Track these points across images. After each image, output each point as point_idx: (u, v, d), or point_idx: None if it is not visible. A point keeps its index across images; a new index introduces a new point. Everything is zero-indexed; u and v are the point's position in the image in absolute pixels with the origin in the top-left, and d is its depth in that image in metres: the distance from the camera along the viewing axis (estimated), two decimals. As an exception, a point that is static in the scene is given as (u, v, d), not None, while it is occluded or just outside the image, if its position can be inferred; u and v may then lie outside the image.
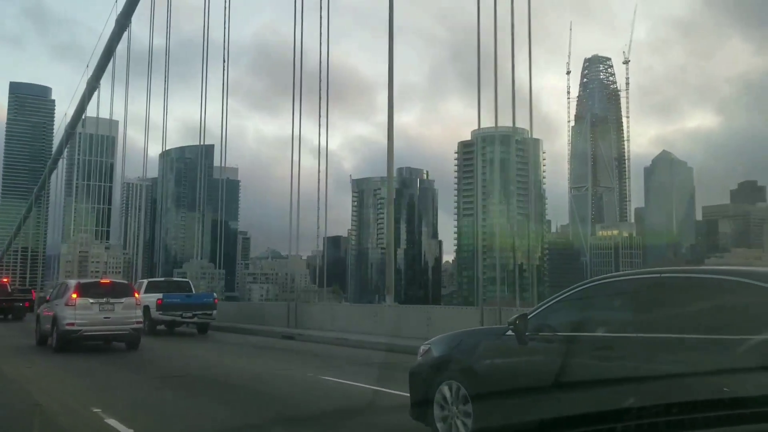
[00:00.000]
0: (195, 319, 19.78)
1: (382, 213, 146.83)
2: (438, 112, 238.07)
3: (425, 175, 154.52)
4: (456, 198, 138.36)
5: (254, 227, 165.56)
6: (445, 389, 5.32)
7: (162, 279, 25.28)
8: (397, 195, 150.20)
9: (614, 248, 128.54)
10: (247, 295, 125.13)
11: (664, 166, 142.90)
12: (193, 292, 21.66)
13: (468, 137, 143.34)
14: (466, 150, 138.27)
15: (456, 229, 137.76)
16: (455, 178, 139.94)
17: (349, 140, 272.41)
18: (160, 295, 19.39)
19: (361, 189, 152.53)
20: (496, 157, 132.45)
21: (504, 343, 5.06)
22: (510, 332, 4.97)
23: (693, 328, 4.02)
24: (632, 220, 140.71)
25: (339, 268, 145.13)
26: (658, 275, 4.60)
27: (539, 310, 5.05)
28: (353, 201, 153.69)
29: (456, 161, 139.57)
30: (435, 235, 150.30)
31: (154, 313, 18.95)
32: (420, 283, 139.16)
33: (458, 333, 5.91)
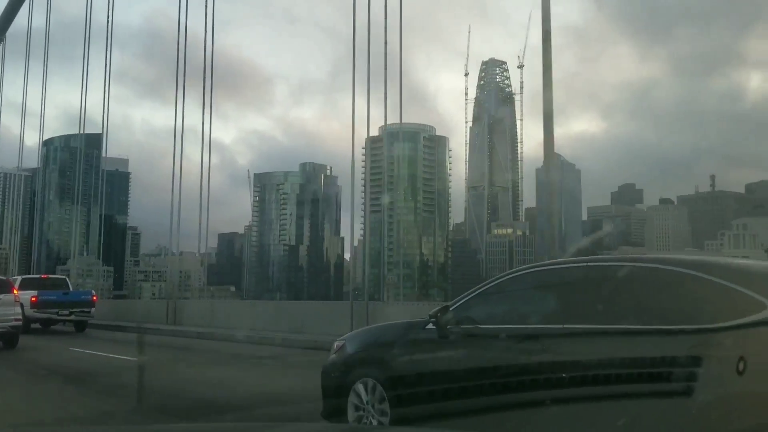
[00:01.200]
0: (72, 317, 19.36)
1: (286, 209, 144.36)
2: (338, 107, 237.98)
3: (329, 171, 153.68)
4: (363, 194, 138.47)
5: (145, 222, 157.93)
6: (360, 387, 5.04)
7: (37, 276, 24.64)
8: (301, 191, 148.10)
9: (508, 246, 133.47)
10: (137, 293, 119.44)
11: (554, 167, 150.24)
12: (71, 289, 21.37)
13: (371, 133, 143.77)
14: (374, 146, 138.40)
15: (363, 226, 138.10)
16: (362, 173, 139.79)
17: (245, 135, 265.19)
18: (35, 293, 18.76)
19: (263, 184, 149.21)
20: (404, 154, 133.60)
21: (424, 337, 4.83)
22: (430, 325, 4.75)
23: (619, 318, 3.95)
24: (524, 220, 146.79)
25: (234, 266, 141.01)
26: (583, 264, 4.53)
27: (461, 301, 4.86)
28: (255, 196, 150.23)
29: (363, 156, 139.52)
30: (338, 232, 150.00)
31: (29, 311, 18.21)
32: (322, 280, 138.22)
33: (375, 327, 5.65)
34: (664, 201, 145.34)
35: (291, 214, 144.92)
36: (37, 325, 19.12)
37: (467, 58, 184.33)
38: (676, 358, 3.54)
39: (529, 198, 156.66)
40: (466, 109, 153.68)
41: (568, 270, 4.58)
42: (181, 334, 18.83)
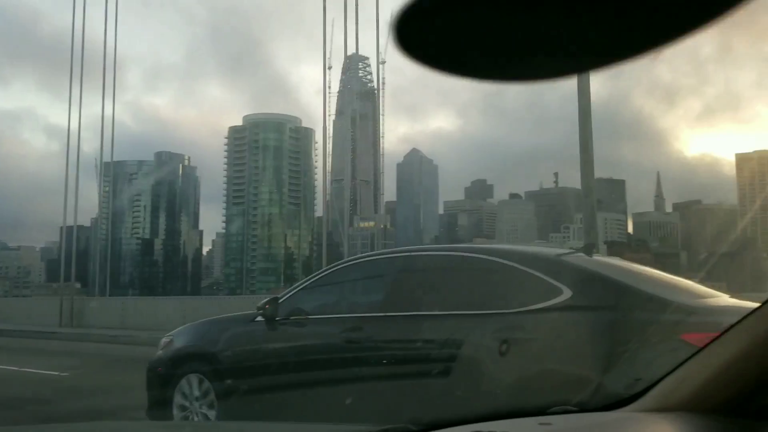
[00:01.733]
0: None
1: (139, 200, 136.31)
2: (195, 95, 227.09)
3: (187, 161, 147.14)
4: (225, 185, 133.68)
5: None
6: (186, 383, 4.88)
7: None
8: (155, 182, 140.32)
9: (370, 239, 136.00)
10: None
11: (414, 162, 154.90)
12: None
13: (233, 123, 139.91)
14: (237, 136, 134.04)
15: (224, 218, 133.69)
16: (225, 164, 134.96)
17: (91, 120, 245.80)
18: None
19: (114, 173, 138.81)
20: (270, 144, 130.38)
21: (253, 329, 4.79)
22: (260, 318, 4.71)
23: (436, 305, 4.13)
24: (383, 213, 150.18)
25: (78, 261, 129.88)
26: (402, 254, 4.73)
27: (291, 293, 4.88)
28: (104, 187, 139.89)
29: (226, 146, 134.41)
30: (196, 224, 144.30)
31: None
32: (179, 275, 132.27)
33: (204, 321, 5.50)
34: (513, 196, 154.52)
35: (145, 206, 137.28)
36: None
37: (330, 52, 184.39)
38: (463, 340, 3.79)
39: (389, 192, 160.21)
40: (326, 102, 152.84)
41: (388, 260, 4.77)
42: (94, 339, 16.17)
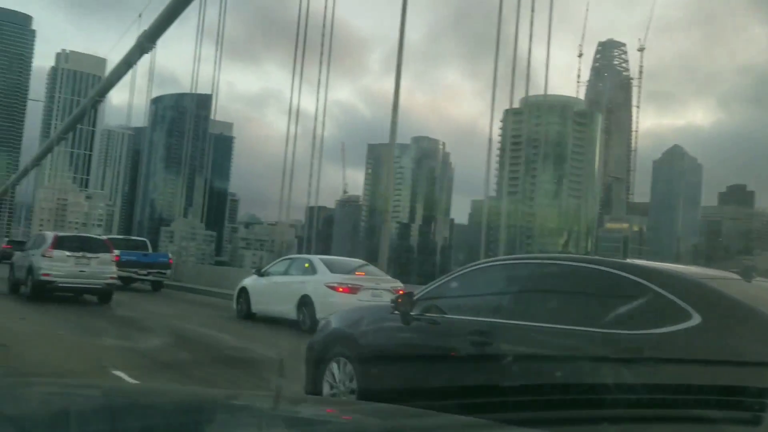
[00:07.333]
0: (150, 277, 20.73)
1: (401, 183, 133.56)
2: (433, 77, 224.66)
3: (442, 147, 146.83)
4: (498, 172, 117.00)
5: (241, 189, 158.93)
6: (334, 366, 5.24)
7: (121, 237, 28.67)
8: (416, 165, 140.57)
9: (623, 241, 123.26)
10: (239, 261, 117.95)
11: (674, 160, 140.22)
12: (150, 251, 23.03)
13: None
14: (514, 120, 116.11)
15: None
16: (498, 150, 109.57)
17: (330, 103, 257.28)
18: (117, 252, 19.56)
19: (376, 157, 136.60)
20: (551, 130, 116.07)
21: (390, 322, 4.96)
22: (396, 312, 4.88)
23: (570, 319, 3.92)
24: (638, 213, 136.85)
25: (326, 241, 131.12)
26: (543, 261, 4.52)
27: (427, 290, 4.96)
28: (367, 169, 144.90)
29: (501, 131, 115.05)
30: (448, 212, 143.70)
31: None
32: (431, 262, 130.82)
33: (356, 308, 5.81)
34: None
35: (404, 190, 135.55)
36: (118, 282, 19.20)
37: (582, 38, 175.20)
38: (596, 363, 3.43)
39: (639, 192, 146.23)
40: (577, 92, 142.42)
41: (518, 266, 4.60)
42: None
